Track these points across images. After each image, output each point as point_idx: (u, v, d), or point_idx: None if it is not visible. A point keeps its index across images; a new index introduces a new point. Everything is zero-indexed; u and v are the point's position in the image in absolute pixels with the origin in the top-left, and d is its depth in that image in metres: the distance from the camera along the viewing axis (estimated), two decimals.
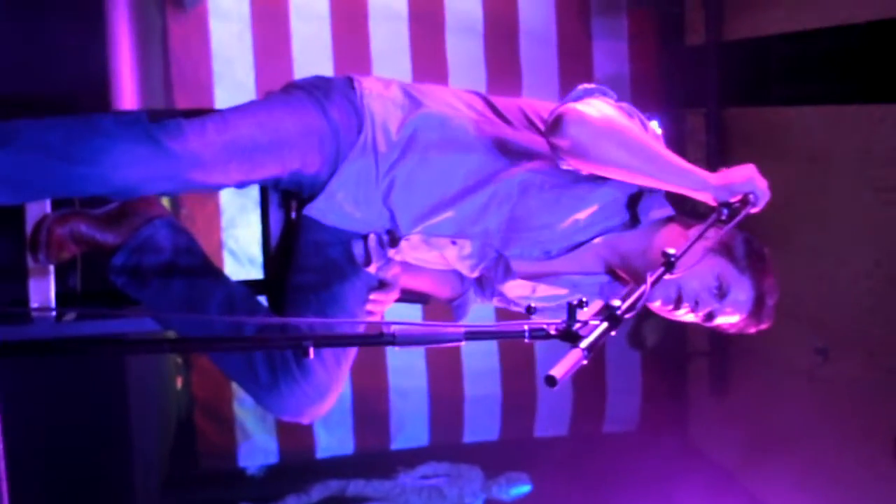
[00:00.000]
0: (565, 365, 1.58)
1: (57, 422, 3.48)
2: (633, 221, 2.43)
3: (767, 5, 5.32)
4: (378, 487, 5.79)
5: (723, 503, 5.15)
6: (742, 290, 2.37)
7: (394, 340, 1.73)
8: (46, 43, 3.40)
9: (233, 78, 5.56)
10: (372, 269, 2.50)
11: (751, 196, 2.22)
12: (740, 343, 5.73)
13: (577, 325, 1.70)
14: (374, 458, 5.99)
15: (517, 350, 5.87)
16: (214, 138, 2.24)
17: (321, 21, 5.71)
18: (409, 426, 6.03)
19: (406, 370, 5.87)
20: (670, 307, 2.35)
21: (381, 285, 2.55)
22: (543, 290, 2.57)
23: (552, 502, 5.68)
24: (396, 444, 6.05)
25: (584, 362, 1.62)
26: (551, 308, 2.60)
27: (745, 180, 2.23)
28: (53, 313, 2.52)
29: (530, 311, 1.86)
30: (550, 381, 1.56)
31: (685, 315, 2.39)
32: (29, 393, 3.15)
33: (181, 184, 2.23)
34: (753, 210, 2.24)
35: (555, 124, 2.24)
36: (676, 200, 2.44)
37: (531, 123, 2.47)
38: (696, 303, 2.35)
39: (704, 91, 5.58)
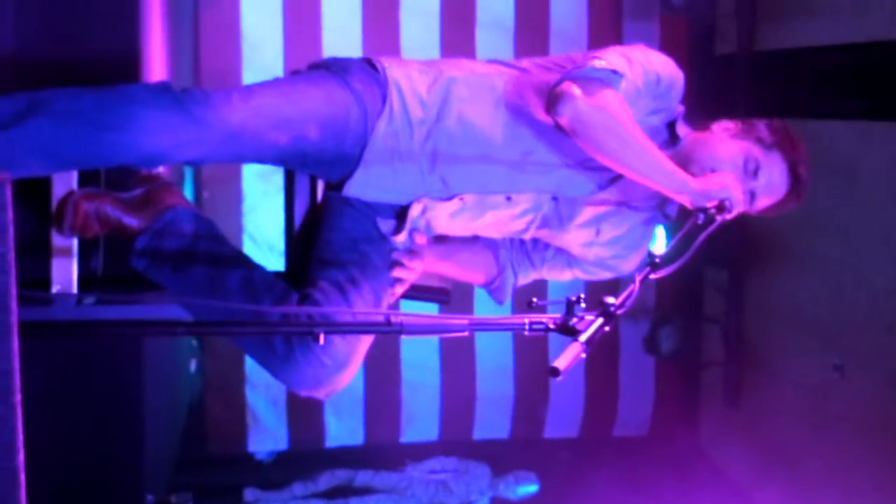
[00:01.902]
0: (567, 357, 1.72)
1: (71, 402, 3.49)
2: (674, 140, 2.54)
3: (800, 17, 5.28)
4: (385, 479, 5.80)
5: None
6: (774, 167, 2.49)
7: (402, 329, 1.79)
8: (79, 22, 3.41)
9: (261, 63, 5.57)
10: (401, 237, 2.51)
11: (726, 202, 2.31)
12: (755, 354, 5.72)
13: (574, 320, 1.86)
14: (383, 449, 5.99)
15: (531, 351, 5.87)
16: (240, 105, 2.28)
17: (352, 10, 5.71)
18: (420, 420, 6.04)
19: (420, 365, 5.88)
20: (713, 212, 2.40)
21: (410, 253, 2.57)
22: (606, 232, 2.62)
23: (559, 502, 5.68)
24: (406, 438, 6.06)
25: (583, 355, 1.77)
26: (614, 255, 2.68)
27: (722, 187, 2.33)
28: (74, 291, 2.54)
29: (531, 305, 1.93)
30: (554, 372, 1.70)
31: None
32: (44, 372, 3.16)
33: (208, 150, 2.26)
34: (728, 216, 2.33)
35: (553, 101, 2.33)
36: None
37: (545, 67, 2.54)
38: None
39: (733, 100, 5.56)
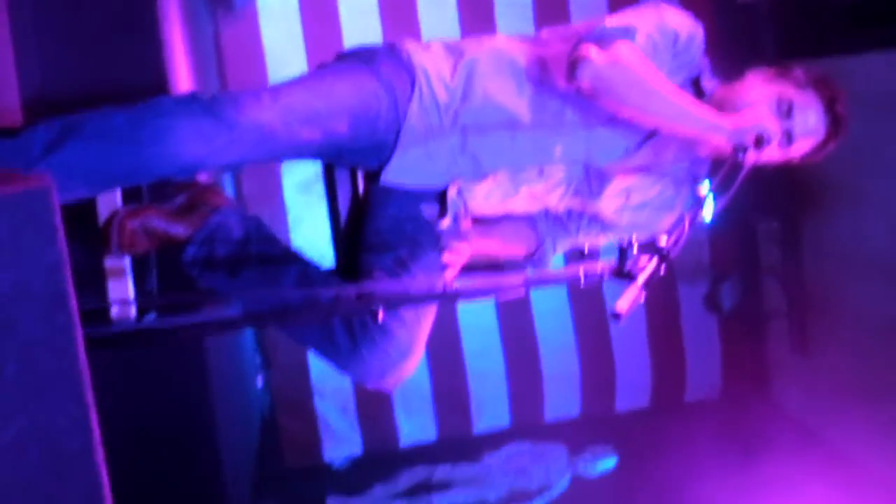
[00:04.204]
0: (627, 300, 1.77)
1: (142, 426, 3.52)
2: (700, 95, 2.53)
3: None
4: (464, 471, 5.80)
5: (812, 462, 5.08)
6: (810, 106, 2.48)
7: (458, 295, 1.83)
8: (104, 54, 3.45)
9: (287, 76, 5.58)
10: (445, 222, 2.52)
11: (764, 136, 2.30)
12: (819, 300, 5.65)
13: (629, 265, 1.88)
14: (458, 442, 6.00)
15: (592, 325, 5.85)
16: (270, 104, 2.30)
17: (371, 14, 5.72)
18: (490, 409, 6.03)
19: (483, 353, 5.86)
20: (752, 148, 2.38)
21: (457, 237, 2.58)
22: (636, 197, 2.61)
23: (639, 475, 5.63)
24: (479, 428, 6.05)
25: (642, 298, 1.81)
26: (647, 217, 2.67)
27: (757, 122, 2.32)
28: (133, 312, 2.57)
29: (584, 255, 1.96)
30: (615, 315, 1.75)
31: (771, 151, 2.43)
32: (113, 401, 3.19)
33: (244, 153, 2.28)
34: (768, 148, 2.32)
35: (571, 68, 2.35)
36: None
37: (563, 37, 2.55)
38: None
39: (761, 46, 5.50)
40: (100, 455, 1.27)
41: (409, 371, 2.42)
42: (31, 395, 1.25)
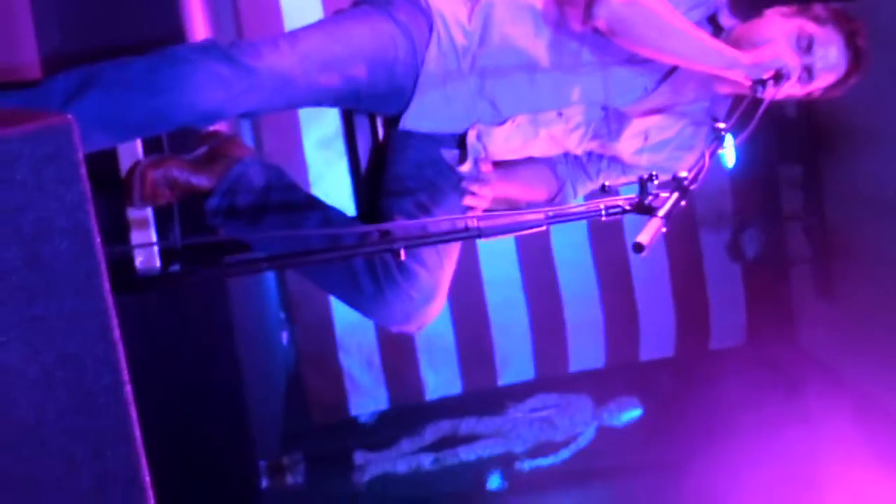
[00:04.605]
0: (648, 232, 1.74)
1: (169, 386, 3.55)
2: (718, 32, 2.52)
3: None
4: (489, 424, 5.83)
5: (839, 406, 5.06)
6: (830, 41, 2.46)
7: (480, 233, 1.83)
8: (121, 7, 3.45)
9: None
10: (466, 166, 2.52)
11: (783, 70, 2.28)
12: (842, 244, 5.62)
13: (650, 199, 1.87)
14: (483, 395, 6.02)
15: (615, 275, 5.83)
16: (288, 50, 2.30)
17: None
18: (515, 361, 6.04)
19: (506, 305, 5.86)
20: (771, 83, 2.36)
21: (478, 181, 2.58)
22: (655, 136, 2.61)
23: (664, 425, 5.64)
24: (503, 380, 6.07)
25: (663, 230, 1.79)
26: (667, 157, 2.65)
27: (775, 56, 2.31)
28: (157, 263, 2.58)
29: (604, 189, 1.95)
30: (638, 247, 1.72)
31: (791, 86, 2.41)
32: (139, 358, 3.20)
33: (263, 99, 2.28)
34: (787, 83, 2.30)
35: (587, 7, 2.33)
36: None
37: None
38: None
39: None
40: (128, 392, 1.28)
41: (432, 315, 2.43)
42: (58, 332, 1.26)
